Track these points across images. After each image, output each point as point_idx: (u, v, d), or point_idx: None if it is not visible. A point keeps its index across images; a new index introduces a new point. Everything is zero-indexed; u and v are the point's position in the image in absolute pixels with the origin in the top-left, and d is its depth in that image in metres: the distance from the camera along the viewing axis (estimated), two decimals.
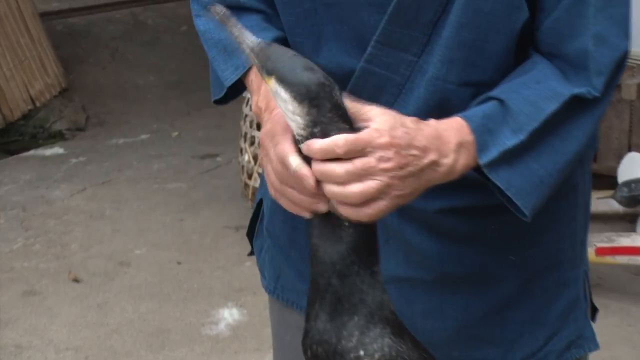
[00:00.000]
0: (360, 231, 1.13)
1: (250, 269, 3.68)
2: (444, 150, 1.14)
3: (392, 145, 1.09)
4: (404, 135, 1.11)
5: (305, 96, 1.10)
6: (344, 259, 1.13)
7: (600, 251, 3.18)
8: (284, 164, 1.13)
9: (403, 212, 1.27)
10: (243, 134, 3.76)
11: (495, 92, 1.20)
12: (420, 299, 1.33)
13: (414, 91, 1.23)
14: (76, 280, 3.64)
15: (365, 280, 1.14)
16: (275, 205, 1.43)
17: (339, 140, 1.08)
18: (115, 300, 3.50)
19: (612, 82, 1.21)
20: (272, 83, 1.11)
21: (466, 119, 1.17)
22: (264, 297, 3.57)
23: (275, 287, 1.50)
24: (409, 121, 1.13)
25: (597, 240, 3.20)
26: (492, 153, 1.16)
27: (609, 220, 3.74)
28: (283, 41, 1.34)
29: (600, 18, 1.19)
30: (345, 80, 1.25)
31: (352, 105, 1.12)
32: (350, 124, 1.11)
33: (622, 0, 1.21)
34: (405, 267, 1.32)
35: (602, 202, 3.64)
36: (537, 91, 1.18)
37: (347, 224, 1.13)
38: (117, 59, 6.04)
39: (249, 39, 1.14)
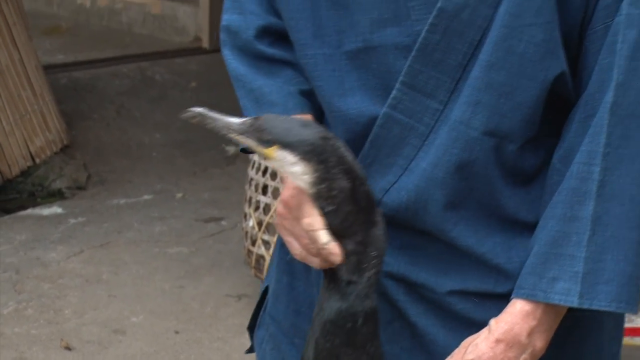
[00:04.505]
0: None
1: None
2: (516, 354, 1.20)
3: None
4: None
5: (312, 153, 1.15)
6: (343, 318, 1.19)
7: None
8: (312, 238, 1.18)
9: (411, 290, 1.28)
10: (248, 198, 3.78)
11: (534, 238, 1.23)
12: None
13: (436, 141, 1.23)
14: (68, 348, 3.64)
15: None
16: (279, 289, 1.45)
17: None
18: None
19: None
20: (275, 152, 1.16)
21: (525, 295, 1.21)
22: None
23: None
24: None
25: None
26: (573, 291, 1.18)
27: None
28: (312, 92, 1.36)
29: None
30: (367, 129, 1.26)
31: None
32: (353, 181, 1.16)
33: None
34: (409, 353, 1.31)
35: None
36: (564, 205, 1.20)
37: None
38: (122, 115, 6.10)
39: (235, 123, 1.17)
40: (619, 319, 1.40)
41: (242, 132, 1.17)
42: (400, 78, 1.22)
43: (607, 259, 1.18)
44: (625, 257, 1.18)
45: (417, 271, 1.28)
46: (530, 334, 1.20)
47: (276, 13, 1.37)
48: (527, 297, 1.20)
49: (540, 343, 1.21)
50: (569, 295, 1.19)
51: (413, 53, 1.21)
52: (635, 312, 1.19)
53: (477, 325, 1.28)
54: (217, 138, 6.51)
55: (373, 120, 1.25)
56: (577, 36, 1.20)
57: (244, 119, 1.18)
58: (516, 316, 1.20)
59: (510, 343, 1.20)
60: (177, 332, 3.75)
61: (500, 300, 1.28)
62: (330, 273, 1.20)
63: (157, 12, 7.69)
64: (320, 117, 1.37)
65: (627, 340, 3.20)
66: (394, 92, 1.22)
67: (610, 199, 1.18)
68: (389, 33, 1.22)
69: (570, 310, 1.23)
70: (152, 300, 4.00)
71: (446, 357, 1.29)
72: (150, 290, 4.09)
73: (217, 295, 4.02)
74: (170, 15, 7.57)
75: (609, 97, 1.17)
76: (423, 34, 1.19)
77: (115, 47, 7.27)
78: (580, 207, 1.18)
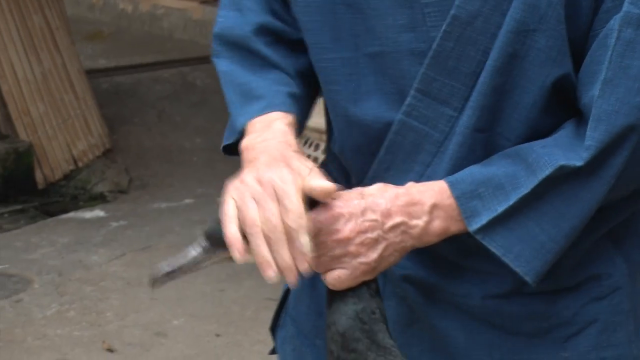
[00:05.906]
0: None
1: None
2: (414, 212, 1.18)
3: (342, 215, 1.16)
4: (359, 203, 1.17)
5: None
6: (351, 327, 1.19)
7: None
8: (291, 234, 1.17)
9: (430, 292, 1.28)
10: None
11: (501, 154, 1.21)
12: None
13: (450, 148, 1.23)
14: (110, 350, 3.68)
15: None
16: (302, 290, 1.44)
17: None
18: None
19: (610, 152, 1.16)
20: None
21: (450, 184, 1.19)
22: None
23: None
24: (372, 188, 1.19)
25: None
26: (482, 219, 1.17)
27: None
28: (299, 98, 1.36)
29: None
30: (382, 135, 1.26)
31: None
32: None
33: None
34: (429, 355, 1.30)
35: None
36: (538, 155, 1.18)
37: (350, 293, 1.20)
38: (163, 119, 6.15)
39: (196, 251, 1.23)
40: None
41: (207, 252, 1.21)
42: (415, 85, 1.22)
43: (526, 216, 1.18)
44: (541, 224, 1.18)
45: (435, 275, 1.28)
46: (434, 208, 1.18)
47: (274, 13, 1.37)
48: (450, 183, 1.19)
49: (438, 224, 1.19)
50: (473, 218, 1.18)
51: (427, 60, 1.21)
52: (531, 280, 1.18)
53: (498, 326, 1.28)
54: None
55: (388, 126, 1.25)
56: (585, 42, 1.19)
57: (197, 242, 1.22)
58: (432, 187, 1.20)
59: (413, 202, 1.18)
60: (218, 335, 3.77)
61: (521, 298, 1.27)
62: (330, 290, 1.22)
63: (198, 17, 7.74)
64: (302, 124, 1.37)
65: None
66: (408, 99, 1.22)
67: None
68: (404, 39, 1.22)
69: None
70: (193, 303, 4.03)
71: (467, 359, 1.29)
72: (192, 293, 4.12)
73: (258, 298, 4.04)
74: (211, 20, 7.61)
75: (596, 90, 1.16)
76: (437, 40, 1.19)
77: (156, 52, 7.33)
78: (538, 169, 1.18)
